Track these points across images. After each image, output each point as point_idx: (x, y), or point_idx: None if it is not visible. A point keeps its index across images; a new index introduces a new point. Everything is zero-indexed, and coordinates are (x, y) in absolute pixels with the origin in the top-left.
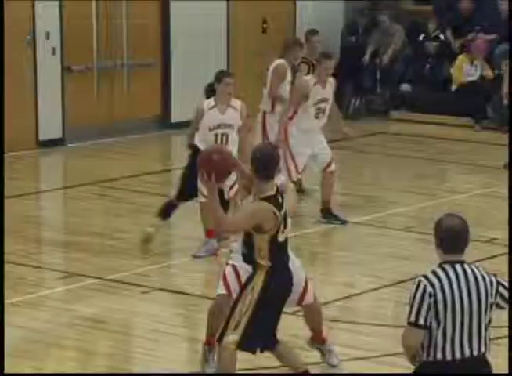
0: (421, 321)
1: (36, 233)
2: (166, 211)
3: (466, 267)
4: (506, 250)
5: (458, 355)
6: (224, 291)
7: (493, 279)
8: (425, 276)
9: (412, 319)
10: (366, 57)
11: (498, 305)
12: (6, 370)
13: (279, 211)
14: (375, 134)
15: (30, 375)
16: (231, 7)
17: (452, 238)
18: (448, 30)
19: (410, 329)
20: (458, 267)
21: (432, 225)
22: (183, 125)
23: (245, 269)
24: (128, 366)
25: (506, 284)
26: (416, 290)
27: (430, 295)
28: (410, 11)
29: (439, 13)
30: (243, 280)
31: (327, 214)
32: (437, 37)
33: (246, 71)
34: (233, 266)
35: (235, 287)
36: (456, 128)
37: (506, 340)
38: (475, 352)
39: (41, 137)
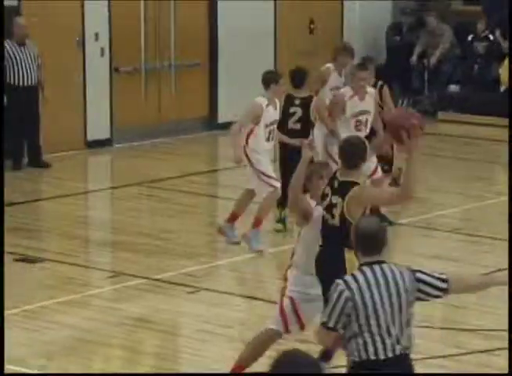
0: (331, 324)
1: (84, 233)
2: None
3: (385, 267)
4: None
5: (390, 354)
6: (277, 327)
7: (412, 275)
8: (344, 280)
9: (324, 320)
10: (414, 58)
11: (420, 299)
12: (56, 369)
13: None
14: (423, 135)
15: (34, 375)
16: (278, 7)
17: (368, 240)
18: (498, 30)
19: (322, 329)
20: (376, 268)
21: (481, 227)
22: (230, 126)
23: (305, 300)
24: (175, 366)
25: (428, 278)
26: (333, 293)
27: (346, 299)
28: (458, 11)
29: (488, 13)
30: (301, 313)
31: (375, 214)
32: (486, 38)
33: None
34: (291, 299)
35: (292, 322)
36: (504, 129)
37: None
38: (402, 350)
39: (89, 137)
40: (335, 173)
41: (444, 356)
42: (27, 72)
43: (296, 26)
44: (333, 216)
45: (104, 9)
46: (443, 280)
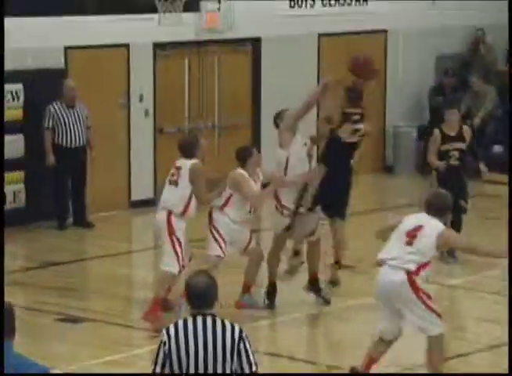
0: (157, 369)
1: (127, 293)
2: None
3: (208, 319)
4: None
5: None
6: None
7: (237, 333)
8: (167, 327)
9: (152, 367)
10: None
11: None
12: None
13: None
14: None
15: (31, 375)
16: (321, 65)
17: (195, 294)
18: None
19: None
20: (199, 319)
21: None
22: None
23: None
24: None
25: (249, 349)
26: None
27: (164, 344)
28: (502, 72)
29: None
30: None
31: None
32: None
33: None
34: None
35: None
36: None
37: None
38: None
39: (133, 197)
40: None
41: None
42: (75, 134)
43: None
44: None
45: (149, 71)
46: (255, 364)
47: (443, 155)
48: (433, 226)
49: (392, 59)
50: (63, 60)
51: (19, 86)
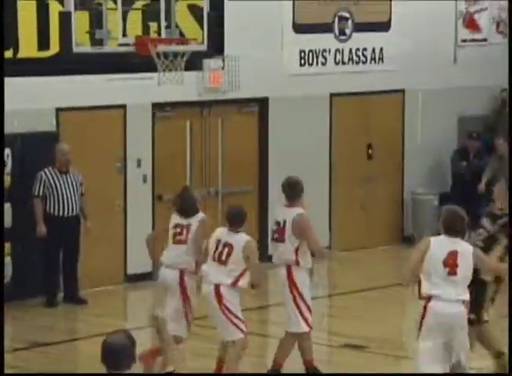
0: None
1: None
2: None
3: None
4: None
5: None
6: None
7: None
8: None
9: None
10: (482, 185)
11: None
12: None
13: None
14: None
15: (29, 375)
16: (333, 133)
17: (110, 355)
18: None
19: None
20: None
21: None
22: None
23: None
24: None
25: None
26: None
27: None
28: None
29: None
30: None
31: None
32: None
33: (349, 199)
34: None
35: None
36: None
37: None
38: None
39: (129, 271)
40: None
41: None
42: (68, 202)
43: (353, 151)
44: None
45: (147, 134)
46: None
47: None
48: (466, 248)
49: (410, 121)
50: (54, 123)
51: (6, 151)
